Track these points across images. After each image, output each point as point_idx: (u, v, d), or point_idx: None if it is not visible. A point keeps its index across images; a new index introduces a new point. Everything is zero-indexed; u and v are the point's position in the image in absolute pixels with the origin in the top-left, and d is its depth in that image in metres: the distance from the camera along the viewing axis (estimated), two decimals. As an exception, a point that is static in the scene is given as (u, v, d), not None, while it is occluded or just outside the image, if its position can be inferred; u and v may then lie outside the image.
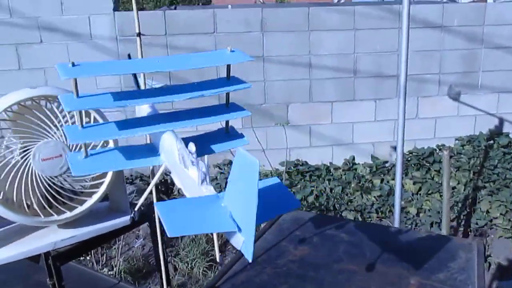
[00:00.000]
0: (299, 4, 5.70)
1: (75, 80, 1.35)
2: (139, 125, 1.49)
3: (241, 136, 1.73)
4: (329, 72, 5.77)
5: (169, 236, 1.12)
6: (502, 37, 5.92)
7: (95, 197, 1.92)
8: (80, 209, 1.88)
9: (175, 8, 5.56)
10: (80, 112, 1.45)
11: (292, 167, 5.71)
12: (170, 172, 1.52)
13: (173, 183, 5.58)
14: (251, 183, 1.07)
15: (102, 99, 1.43)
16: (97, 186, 1.92)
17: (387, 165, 5.89)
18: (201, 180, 1.29)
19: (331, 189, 5.39)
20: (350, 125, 5.99)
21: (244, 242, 1.09)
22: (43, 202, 1.79)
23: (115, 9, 5.33)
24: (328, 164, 5.95)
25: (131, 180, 5.48)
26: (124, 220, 1.99)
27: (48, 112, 1.77)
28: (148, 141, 1.89)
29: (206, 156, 1.47)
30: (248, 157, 1.11)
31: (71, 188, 1.89)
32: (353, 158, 6.02)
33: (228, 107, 1.69)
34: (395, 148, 6.08)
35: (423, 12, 5.72)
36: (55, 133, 1.76)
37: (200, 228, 1.35)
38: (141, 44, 2.83)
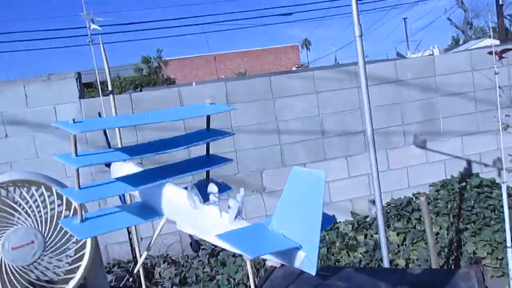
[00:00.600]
0: (261, 75, 5.92)
1: (75, 137, 1.39)
2: (137, 181, 1.52)
3: (224, 185, 1.81)
4: (297, 135, 5.89)
5: (251, 257, 1.22)
6: (454, 85, 6.28)
7: (72, 284, 1.80)
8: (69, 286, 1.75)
9: (140, 90, 5.66)
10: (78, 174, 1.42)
11: (274, 234, 5.60)
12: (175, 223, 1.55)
13: (154, 267, 5.34)
14: (315, 197, 1.15)
15: (103, 156, 1.52)
16: (74, 271, 1.81)
17: (368, 219, 5.87)
18: (235, 216, 1.39)
19: (316, 252, 5.27)
20: (325, 184, 6.00)
21: (305, 257, 1.14)
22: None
23: (81, 96, 5.39)
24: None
25: (108, 269, 5.22)
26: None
27: (18, 198, 1.70)
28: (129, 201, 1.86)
29: (242, 190, 1.51)
30: (311, 171, 1.19)
31: (44, 277, 1.77)
32: (334, 216, 5.97)
33: (209, 157, 1.79)
34: (373, 202, 6.12)
35: (378, 70, 6.04)
36: (26, 219, 1.68)
37: (270, 249, 1.31)
38: (114, 103, 2.94)
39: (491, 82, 5.28)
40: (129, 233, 4.97)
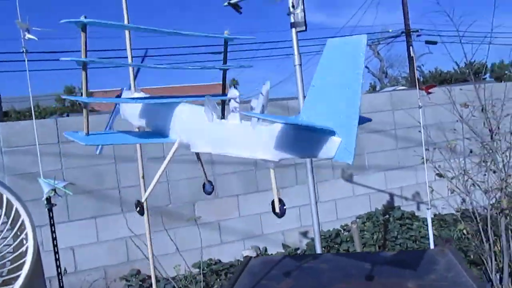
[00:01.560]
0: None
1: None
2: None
3: None
4: (232, 166, 5.89)
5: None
6: (377, 123, 6.69)
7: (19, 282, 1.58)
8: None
9: (67, 115, 5.38)
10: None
11: (205, 268, 5.44)
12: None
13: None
14: (354, 68, 0.97)
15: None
16: (10, 282, 1.60)
17: (298, 251, 5.92)
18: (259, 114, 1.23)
19: (249, 284, 5.19)
20: (258, 217, 6.03)
21: (341, 144, 1.03)
22: None
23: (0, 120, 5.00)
24: (242, 259, 5.79)
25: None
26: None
27: None
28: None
29: (268, 82, 1.35)
30: (350, 38, 1.02)
31: None
32: (265, 250, 5.96)
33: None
34: (304, 234, 6.21)
35: (309, 105, 6.29)
36: None
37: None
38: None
39: (410, 121, 5.70)
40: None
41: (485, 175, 4.60)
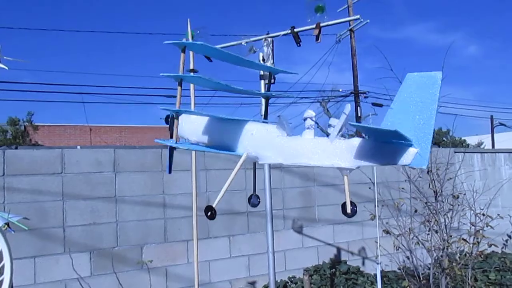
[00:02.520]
0: (151, 146, 5.87)
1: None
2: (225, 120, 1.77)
3: None
4: (183, 211, 5.81)
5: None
6: (328, 176, 6.92)
7: None
8: None
9: (16, 148, 5.15)
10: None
11: (148, 316, 5.21)
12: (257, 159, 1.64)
13: None
14: (431, 96, 1.25)
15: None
16: None
17: (245, 302, 5.82)
18: (337, 133, 1.48)
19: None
20: (207, 264, 5.91)
21: (417, 154, 1.29)
22: None
23: None
24: (188, 308, 5.60)
25: None
26: None
27: None
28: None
29: (348, 105, 1.55)
30: (427, 73, 1.30)
31: None
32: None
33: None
34: (252, 284, 6.14)
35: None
36: None
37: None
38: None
39: (359, 177, 5.94)
40: None
41: (428, 234, 4.85)
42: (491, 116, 29.38)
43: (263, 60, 3.28)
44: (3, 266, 1.58)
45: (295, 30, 3.24)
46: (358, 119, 22.02)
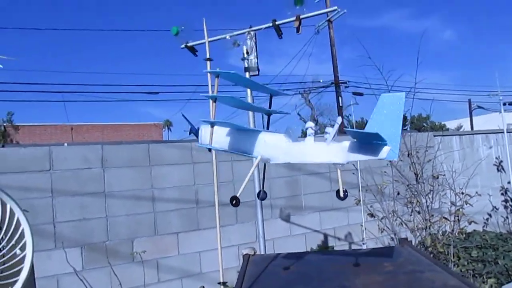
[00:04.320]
0: (139, 141, 5.92)
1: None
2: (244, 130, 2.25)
3: None
4: (172, 204, 5.90)
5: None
6: (313, 166, 7.07)
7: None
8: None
9: (3, 146, 5.16)
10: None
11: (142, 307, 5.30)
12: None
13: None
14: (397, 108, 1.74)
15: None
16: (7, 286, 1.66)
17: (237, 290, 5.95)
18: (331, 138, 1.92)
19: (187, 324, 5.11)
20: (197, 255, 6.02)
21: (390, 150, 1.76)
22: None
23: None
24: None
25: None
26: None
27: None
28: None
29: (339, 118, 2.07)
30: (394, 94, 1.82)
31: None
32: (203, 288, 5.92)
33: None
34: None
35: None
36: None
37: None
38: None
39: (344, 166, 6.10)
40: None
41: (411, 215, 5.04)
42: (469, 100, 29.98)
43: (247, 53, 3.38)
44: (25, 242, 1.69)
45: (277, 23, 3.33)
46: (339, 109, 22.26)
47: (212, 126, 2.22)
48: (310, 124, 2.07)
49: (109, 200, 5.50)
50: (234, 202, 2.23)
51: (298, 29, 3.24)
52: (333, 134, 1.96)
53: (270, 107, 2.50)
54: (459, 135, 8.89)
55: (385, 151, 1.77)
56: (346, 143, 1.95)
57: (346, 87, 23.15)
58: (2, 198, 1.71)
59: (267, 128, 2.51)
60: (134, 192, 5.69)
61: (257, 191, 4.03)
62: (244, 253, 3.08)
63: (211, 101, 2.14)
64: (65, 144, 5.59)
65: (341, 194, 2.12)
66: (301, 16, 3.22)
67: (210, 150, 2.42)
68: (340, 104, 22.39)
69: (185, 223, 5.96)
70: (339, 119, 2.03)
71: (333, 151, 1.96)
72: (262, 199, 2.64)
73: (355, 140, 1.92)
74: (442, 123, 35.93)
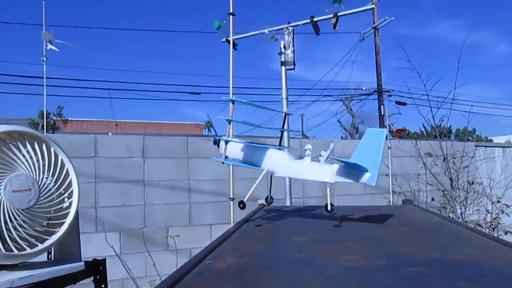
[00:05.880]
0: (179, 134, 6.16)
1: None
2: (256, 148, 2.50)
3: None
4: (207, 196, 6.08)
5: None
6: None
7: (64, 228, 1.94)
8: (51, 240, 1.88)
9: (53, 132, 5.52)
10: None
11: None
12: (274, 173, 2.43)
13: None
14: (379, 142, 2.04)
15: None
16: (55, 227, 1.91)
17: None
18: (324, 160, 2.20)
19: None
20: (229, 248, 6.16)
21: (370, 176, 2.01)
22: (14, 234, 1.72)
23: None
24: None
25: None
26: (79, 265, 2.07)
27: (21, 147, 1.78)
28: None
29: (332, 144, 2.36)
30: (378, 129, 2.14)
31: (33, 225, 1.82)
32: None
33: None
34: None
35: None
36: (27, 167, 1.77)
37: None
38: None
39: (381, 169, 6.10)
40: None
41: (444, 221, 4.96)
42: (520, 116, 28.66)
43: (284, 47, 3.49)
44: (72, 191, 1.89)
45: (314, 19, 3.43)
46: (381, 118, 21.92)
47: (226, 143, 2.49)
48: (309, 146, 2.35)
49: (147, 189, 5.76)
50: (241, 205, 2.46)
51: (335, 26, 3.33)
52: (325, 157, 2.25)
53: (283, 126, 2.77)
54: (503, 147, 8.62)
55: (365, 177, 2.04)
56: (336, 166, 2.20)
57: (389, 95, 22.73)
58: (55, 149, 1.90)
59: (280, 145, 2.81)
60: (171, 182, 5.92)
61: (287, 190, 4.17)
62: (259, 203, 3.36)
63: (228, 122, 2.41)
64: (110, 133, 5.90)
65: (328, 208, 2.32)
66: (339, 14, 3.31)
67: (223, 162, 2.64)
68: (382, 113, 22.06)
69: (219, 216, 6.12)
70: (331, 145, 2.32)
71: (324, 171, 2.23)
72: (269, 203, 2.83)
73: (343, 165, 2.18)
74: (489, 137, 34.58)
